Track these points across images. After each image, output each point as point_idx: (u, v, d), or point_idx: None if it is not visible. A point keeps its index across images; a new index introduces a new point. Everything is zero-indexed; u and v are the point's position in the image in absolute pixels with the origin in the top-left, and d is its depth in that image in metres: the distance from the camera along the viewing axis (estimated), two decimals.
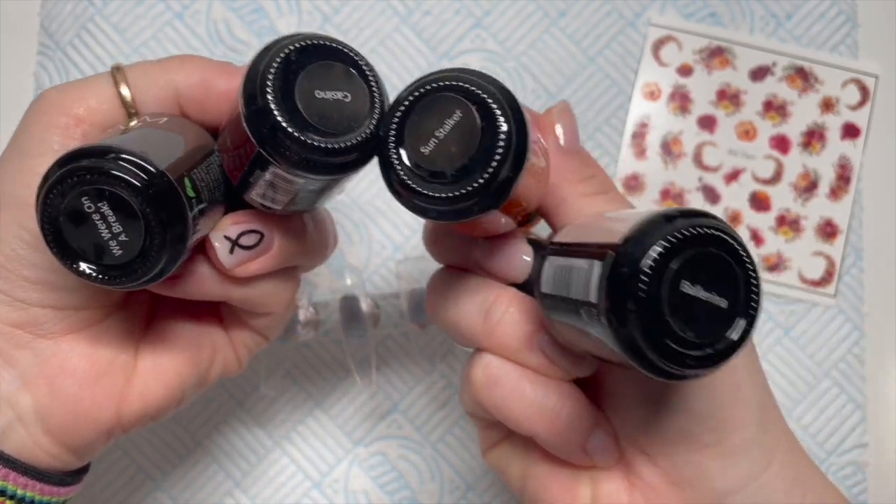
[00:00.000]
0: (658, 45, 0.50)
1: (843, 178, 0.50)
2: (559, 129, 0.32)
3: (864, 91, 0.50)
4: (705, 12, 0.50)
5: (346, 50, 0.28)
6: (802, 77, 0.50)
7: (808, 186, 0.50)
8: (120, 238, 0.28)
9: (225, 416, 0.48)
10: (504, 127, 0.26)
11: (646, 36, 0.50)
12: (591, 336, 0.26)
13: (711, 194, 0.50)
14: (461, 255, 0.33)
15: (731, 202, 0.50)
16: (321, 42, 0.28)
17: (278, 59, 0.27)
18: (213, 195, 0.31)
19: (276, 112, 0.27)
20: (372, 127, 0.28)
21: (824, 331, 0.49)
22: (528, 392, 0.30)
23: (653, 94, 0.50)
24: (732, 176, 0.50)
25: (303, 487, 0.47)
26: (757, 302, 0.25)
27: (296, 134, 0.27)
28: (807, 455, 0.32)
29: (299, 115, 0.27)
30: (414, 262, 0.47)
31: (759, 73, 0.50)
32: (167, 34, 0.49)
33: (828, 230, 0.50)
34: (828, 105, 0.50)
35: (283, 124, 0.27)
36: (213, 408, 0.48)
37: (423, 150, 0.27)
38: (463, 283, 0.32)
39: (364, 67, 0.28)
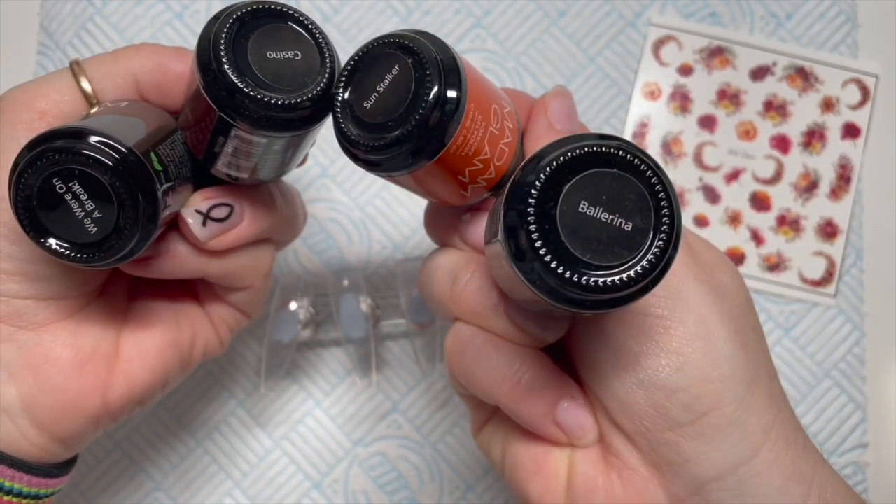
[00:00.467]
0: (658, 45, 0.50)
1: (844, 177, 0.50)
2: (551, 110, 0.32)
3: (865, 91, 0.50)
4: (705, 12, 0.50)
5: (291, 11, 0.30)
6: (803, 77, 0.50)
7: (809, 186, 0.50)
8: (93, 216, 0.28)
9: (225, 416, 0.48)
10: (435, 77, 0.27)
11: (646, 36, 0.50)
12: (508, 276, 0.26)
13: (712, 194, 0.50)
14: (451, 234, 0.33)
15: (732, 202, 0.50)
16: (267, 5, 0.29)
17: (228, 25, 0.28)
18: (179, 171, 0.32)
19: (231, 74, 0.28)
20: (325, 82, 0.29)
21: (825, 331, 0.49)
22: (491, 357, 0.30)
23: (653, 94, 0.50)
24: (733, 176, 0.50)
25: (303, 487, 0.47)
26: (670, 224, 0.23)
27: (252, 93, 0.28)
28: (818, 453, 0.30)
29: (254, 76, 0.28)
30: (414, 262, 0.47)
31: (759, 73, 0.50)
32: (166, 34, 0.49)
33: (828, 230, 0.50)
34: (828, 105, 0.50)
35: (240, 85, 0.28)
36: (213, 408, 0.48)
37: (365, 105, 0.28)
38: (440, 255, 0.33)
39: (311, 27, 0.30)
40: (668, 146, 0.50)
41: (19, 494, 0.33)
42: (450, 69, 0.27)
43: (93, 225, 0.29)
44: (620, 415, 0.30)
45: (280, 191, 0.37)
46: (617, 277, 0.23)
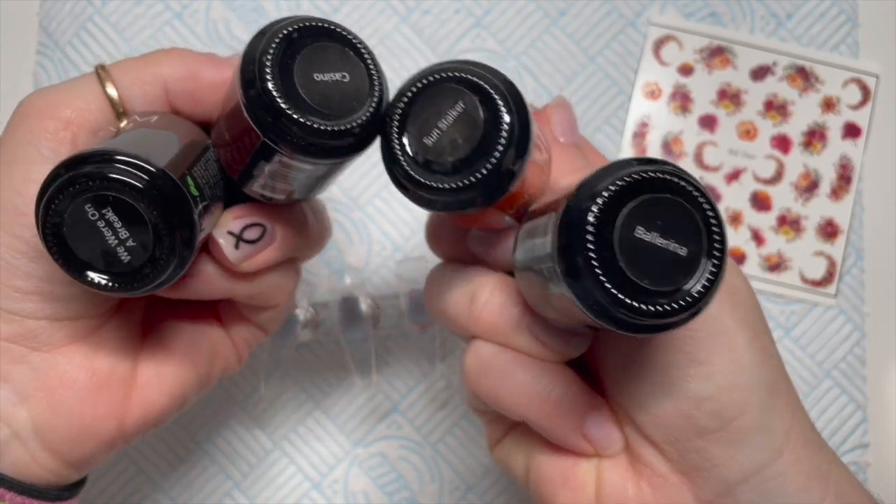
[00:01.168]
0: (658, 45, 0.50)
1: (844, 177, 0.50)
2: (553, 122, 0.32)
3: (865, 91, 0.50)
4: (706, 12, 0.50)
5: (341, 31, 0.28)
6: (803, 77, 0.50)
7: (809, 186, 0.50)
8: (127, 244, 0.27)
9: (225, 416, 0.48)
10: (507, 118, 0.26)
11: (646, 35, 0.50)
12: (554, 298, 0.26)
13: (712, 194, 0.50)
14: (458, 248, 0.32)
15: (732, 202, 0.50)
16: (315, 24, 0.27)
17: (275, 43, 0.26)
18: (213, 192, 0.30)
19: (278, 99, 0.26)
20: (374, 106, 0.27)
21: (825, 331, 0.49)
22: (517, 375, 0.30)
23: (653, 94, 0.50)
24: (733, 176, 0.50)
25: (302, 488, 0.47)
26: (721, 249, 0.24)
27: (300, 119, 0.26)
28: (831, 451, 0.31)
29: (301, 100, 0.26)
30: (414, 262, 0.47)
31: (759, 73, 0.50)
32: (166, 34, 0.49)
33: (829, 230, 0.50)
34: (828, 105, 0.50)
35: (287, 110, 0.26)
36: (213, 409, 0.48)
37: (426, 141, 0.27)
38: (454, 273, 0.32)
39: (360, 47, 0.28)
40: (668, 146, 0.50)
41: None
42: (520, 110, 0.26)
43: (126, 254, 0.27)
44: (649, 425, 0.30)
45: (311, 208, 0.35)
46: (675, 302, 0.23)
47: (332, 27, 0.28)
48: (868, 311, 0.49)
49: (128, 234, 0.27)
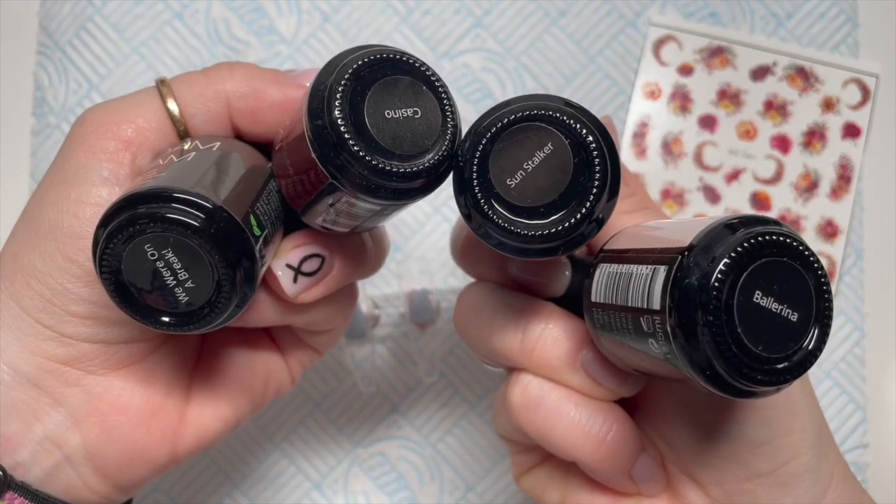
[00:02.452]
0: (658, 45, 0.50)
1: (844, 177, 0.50)
2: None
3: (865, 91, 0.50)
4: (706, 12, 0.50)
5: (416, 63, 0.26)
6: (803, 77, 0.50)
7: (809, 186, 0.50)
8: (187, 285, 0.26)
9: None
10: (600, 165, 0.25)
11: (646, 35, 0.50)
12: (647, 349, 0.25)
13: (712, 194, 0.50)
14: (495, 269, 0.31)
15: (732, 202, 0.50)
16: (390, 55, 0.26)
17: (347, 76, 0.25)
18: (274, 223, 0.29)
19: (347, 137, 0.25)
20: (446, 147, 0.26)
21: None
22: (571, 414, 0.29)
23: (653, 94, 0.50)
24: (733, 176, 0.50)
25: (303, 488, 0.47)
26: (829, 315, 0.23)
27: (373, 162, 0.25)
28: (858, 483, 0.31)
29: (371, 138, 0.25)
30: (414, 262, 0.47)
31: (759, 73, 0.50)
32: (166, 34, 0.49)
33: (828, 230, 0.50)
34: (828, 105, 0.50)
35: (361, 153, 0.25)
36: None
37: (509, 183, 0.25)
38: (497, 299, 0.31)
39: (434, 81, 0.26)
40: (668, 146, 0.50)
41: None
42: (612, 153, 0.25)
43: (185, 295, 0.26)
44: (698, 466, 0.29)
45: (372, 234, 0.34)
46: (787, 372, 0.23)
47: (408, 59, 0.26)
48: (868, 311, 0.49)
49: (188, 276, 0.26)
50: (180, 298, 0.26)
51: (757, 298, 0.23)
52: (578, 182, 0.25)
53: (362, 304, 0.45)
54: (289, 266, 0.30)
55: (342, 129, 0.25)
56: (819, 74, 0.50)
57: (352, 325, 0.44)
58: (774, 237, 0.23)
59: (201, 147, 0.29)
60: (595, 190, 0.25)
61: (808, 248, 0.23)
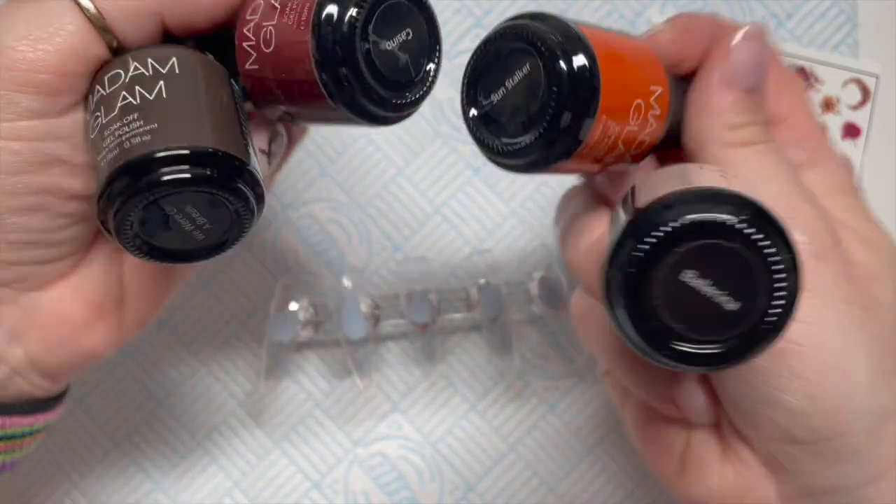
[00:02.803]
0: None
1: None
2: (730, 62, 0.29)
3: (865, 91, 0.50)
4: (706, 12, 0.50)
5: None
6: (803, 77, 0.50)
7: None
8: (205, 227, 0.28)
9: (225, 416, 0.48)
10: (563, 74, 0.26)
11: None
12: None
13: None
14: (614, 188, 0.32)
15: None
16: None
17: (363, 14, 0.27)
18: (248, 120, 0.30)
19: (367, 76, 0.27)
20: (433, 75, 0.29)
21: None
22: (608, 333, 0.30)
23: None
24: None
25: (302, 488, 0.47)
26: (786, 314, 0.22)
27: (377, 89, 0.28)
28: None
29: (376, 70, 0.28)
30: (414, 262, 0.47)
31: None
32: None
33: None
34: (828, 105, 0.50)
35: (371, 88, 0.27)
36: (213, 408, 0.48)
37: (484, 103, 0.28)
38: (579, 205, 0.32)
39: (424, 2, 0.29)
40: None
41: (28, 434, 0.33)
42: (585, 62, 0.26)
43: (202, 233, 0.28)
44: (740, 421, 0.29)
45: None
46: (709, 350, 0.23)
47: None
48: None
49: (205, 219, 0.28)
50: (198, 237, 0.28)
51: (686, 277, 0.22)
52: (545, 95, 0.26)
53: (362, 304, 0.45)
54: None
55: (364, 70, 0.27)
56: (819, 74, 0.50)
57: (352, 325, 0.44)
58: (721, 220, 0.22)
59: (162, 71, 0.28)
60: (553, 102, 0.26)
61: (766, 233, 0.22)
